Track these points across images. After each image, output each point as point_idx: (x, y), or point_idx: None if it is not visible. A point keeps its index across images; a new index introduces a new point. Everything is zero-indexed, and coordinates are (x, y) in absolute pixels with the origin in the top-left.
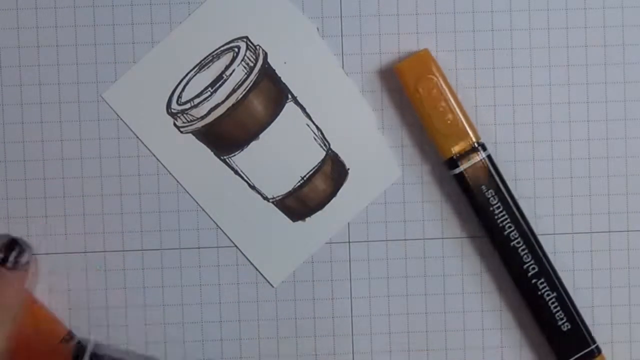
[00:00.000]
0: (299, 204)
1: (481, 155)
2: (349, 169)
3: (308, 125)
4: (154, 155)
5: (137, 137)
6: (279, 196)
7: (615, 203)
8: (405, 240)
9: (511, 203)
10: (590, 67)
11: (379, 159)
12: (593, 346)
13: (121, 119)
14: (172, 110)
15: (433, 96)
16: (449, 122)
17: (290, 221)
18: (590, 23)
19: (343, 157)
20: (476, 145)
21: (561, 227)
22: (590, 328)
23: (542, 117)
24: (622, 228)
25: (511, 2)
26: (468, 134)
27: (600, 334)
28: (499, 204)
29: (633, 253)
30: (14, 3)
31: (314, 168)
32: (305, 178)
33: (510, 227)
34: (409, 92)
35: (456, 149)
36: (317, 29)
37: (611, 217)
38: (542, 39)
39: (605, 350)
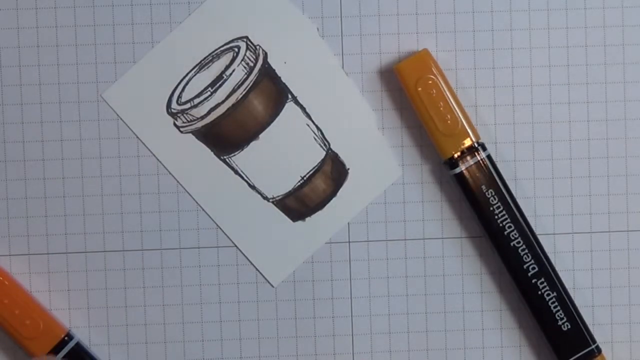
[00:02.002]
0: (299, 204)
1: (481, 155)
2: (349, 169)
3: (308, 125)
4: (154, 155)
5: (137, 137)
6: (279, 196)
7: (615, 203)
8: (405, 240)
9: (511, 203)
10: (590, 67)
11: (379, 159)
12: (593, 346)
13: (121, 119)
14: (172, 110)
15: (433, 96)
16: (449, 122)
17: (290, 221)
18: (590, 23)
19: (343, 157)
20: (476, 145)
21: (561, 227)
22: (590, 328)
23: (542, 117)
24: (622, 228)
25: (511, 2)
26: (468, 134)
27: (600, 334)
28: (498, 203)
29: (633, 253)
30: (14, 3)
31: (314, 168)
32: (305, 178)
33: (510, 227)
34: (409, 92)
35: (456, 149)
36: (317, 29)
37: (611, 217)
38: (542, 39)
39: (605, 350)
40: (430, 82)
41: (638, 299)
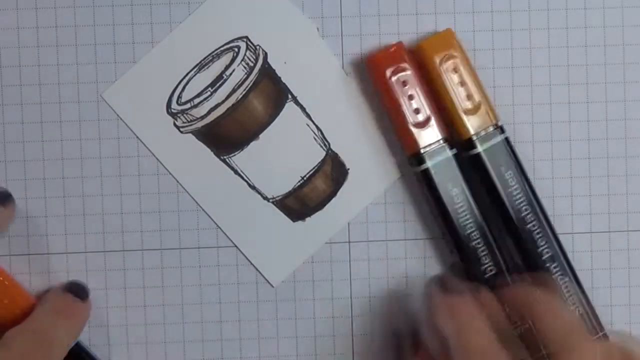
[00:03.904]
0: (299, 204)
1: (500, 137)
2: (349, 169)
3: (308, 125)
4: (154, 155)
5: (137, 137)
6: (279, 196)
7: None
8: (405, 240)
9: (527, 186)
10: (591, 67)
11: (379, 159)
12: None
13: (121, 119)
14: (172, 110)
15: (456, 73)
16: (470, 101)
17: (290, 221)
18: (589, 23)
19: (343, 157)
20: (495, 127)
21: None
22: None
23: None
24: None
25: (511, 2)
26: (488, 114)
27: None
28: (516, 185)
29: (633, 253)
30: (14, 3)
31: (314, 168)
32: (305, 178)
33: (527, 209)
34: (432, 70)
35: (475, 129)
36: (317, 29)
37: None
38: (542, 39)
39: None
40: (453, 60)
41: None
